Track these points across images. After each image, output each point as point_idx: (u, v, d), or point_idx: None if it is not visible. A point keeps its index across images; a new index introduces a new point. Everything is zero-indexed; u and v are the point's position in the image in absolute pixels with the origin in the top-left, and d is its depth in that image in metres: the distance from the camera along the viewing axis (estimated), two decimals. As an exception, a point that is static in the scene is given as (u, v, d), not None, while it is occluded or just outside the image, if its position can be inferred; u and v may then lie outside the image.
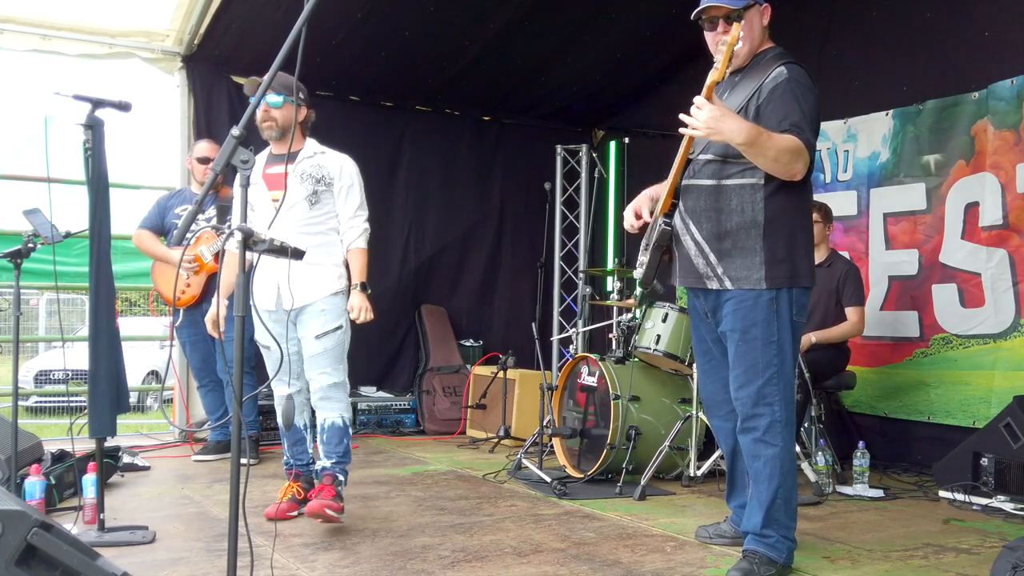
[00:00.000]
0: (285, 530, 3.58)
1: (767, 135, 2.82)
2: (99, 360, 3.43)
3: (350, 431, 3.78)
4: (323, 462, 3.72)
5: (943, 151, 5.20)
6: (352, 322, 3.73)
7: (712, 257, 3.05)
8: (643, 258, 3.20)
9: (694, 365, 4.62)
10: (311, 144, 3.85)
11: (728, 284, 3.04)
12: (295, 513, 3.81)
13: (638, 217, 3.22)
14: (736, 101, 3.01)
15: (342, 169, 3.81)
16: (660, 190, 3.27)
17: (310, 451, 3.94)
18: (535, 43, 6.26)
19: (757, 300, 3.01)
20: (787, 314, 3.03)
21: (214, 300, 3.97)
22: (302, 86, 3.73)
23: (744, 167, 2.99)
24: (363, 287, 3.73)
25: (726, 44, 2.78)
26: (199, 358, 5.29)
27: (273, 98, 3.71)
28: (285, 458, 4.00)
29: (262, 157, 3.83)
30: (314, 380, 3.71)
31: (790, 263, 3.01)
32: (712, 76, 2.81)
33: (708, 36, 3.12)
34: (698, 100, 2.79)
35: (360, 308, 3.70)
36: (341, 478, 3.70)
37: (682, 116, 2.81)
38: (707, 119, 2.76)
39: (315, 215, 3.72)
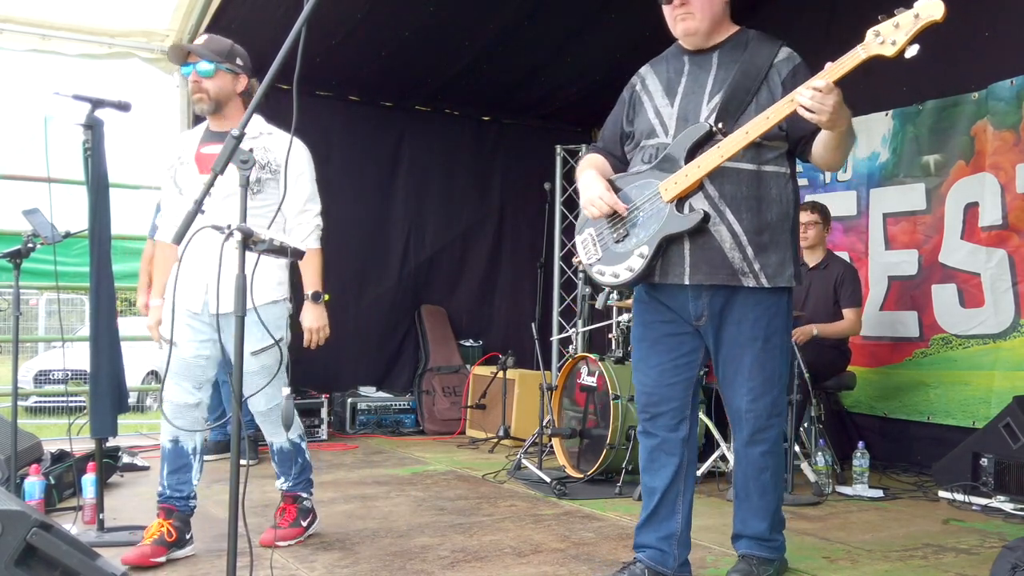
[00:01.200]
0: (285, 530, 3.58)
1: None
2: (100, 360, 3.43)
3: (303, 444, 3.48)
4: (280, 483, 3.48)
5: (943, 151, 5.20)
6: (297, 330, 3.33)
7: (750, 251, 2.73)
8: (638, 250, 2.76)
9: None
10: (256, 122, 3.28)
11: (764, 281, 2.75)
12: (162, 559, 3.10)
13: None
14: (747, 81, 2.74)
15: (292, 153, 3.13)
16: (603, 168, 2.94)
17: (194, 482, 3.30)
18: (535, 43, 6.26)
19: (779, 303, 2.82)
20: (791, 318, 2.93)
21: (153, 303, 3.38)
22: (240, 50, 3.31)
23: (778, 152, 2.77)
24: (316, 297, 3.26)
25: (919, 19, 2.35)
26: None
27: (203, 66, 3.20)
28: (160, 488, 3.27)
29: (196, 134, 3.37)
30: (251, 402, 3.27)
31: (794, 261, 2.86)
32: (871, 51, 2.39)
33: (665, 10, 2.81)
34: (825, 84, 2.43)
35: (315, 329, 3.28)
36: (304, 494, 3.49)
37: (802, 100, 2.46)
38: (834, 104, 2.44)
39: (255, 206, 3.02)
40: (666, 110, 2.84)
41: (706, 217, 2.68)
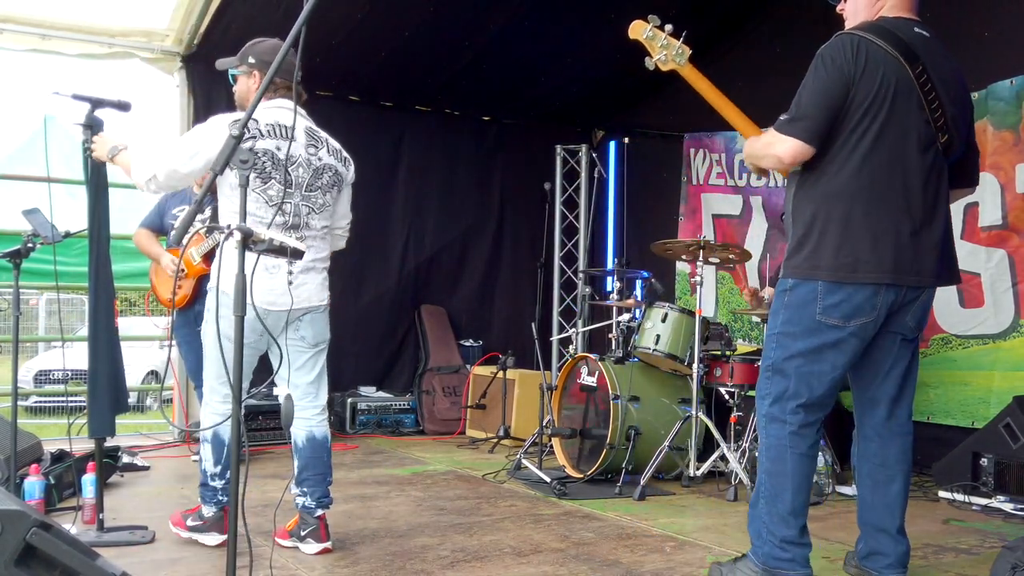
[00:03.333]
0: (285, 530, 3.58)
1: (753, 143, 2.89)
2: (98, 360, 3.43)
3: (202, 449, 3.35)
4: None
5: (943, 151, 5.19)
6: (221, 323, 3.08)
7: None
8: None
9: (693, 365, 4.63)
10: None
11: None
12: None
13: None
14: None
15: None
16: None
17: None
18: (535, 43, 6.26)
19: (780, 290, 2.88)
20: (798, 308, 2.79)
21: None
22: (256, 48, 3.41)
23: None
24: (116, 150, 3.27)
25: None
26: (194, 359, 5.26)
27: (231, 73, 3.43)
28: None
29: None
30: None
31: (807, 254, 2.77)
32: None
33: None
34: None
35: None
36: (198, 500, 3.41)
37: None
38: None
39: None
40: None
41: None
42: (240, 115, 3.15)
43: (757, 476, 2.91)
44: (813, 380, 2.81)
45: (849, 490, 4.57)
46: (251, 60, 3.36)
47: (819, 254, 2.75)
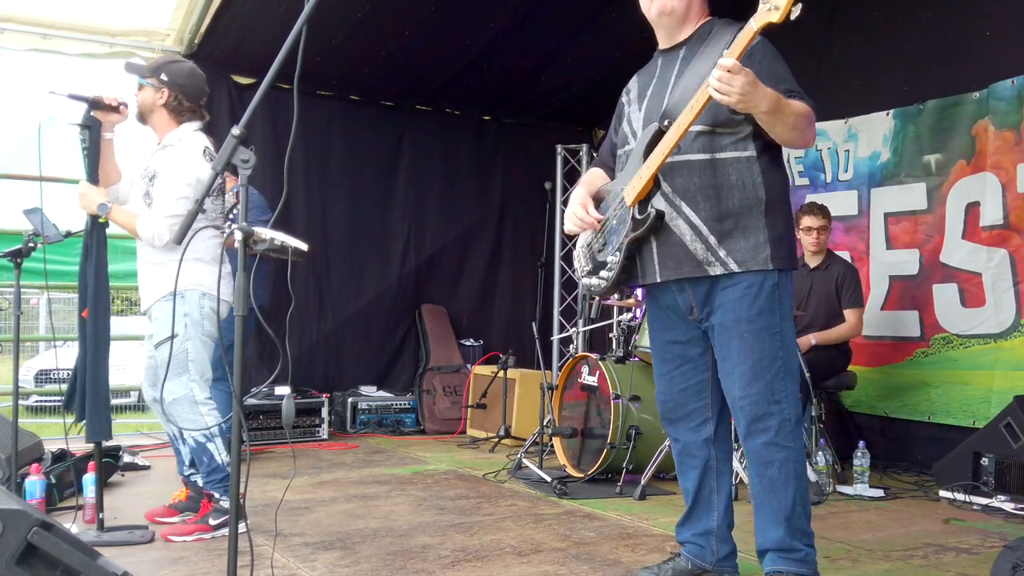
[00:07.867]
0: (285, 529, 3.58)
1: (786, 102, 2.52)
2: (99, 363, 3.43)
3: (211, 445, 3.46)
4: (198, 476, 3.56)
5: (944, 151, 5.20)
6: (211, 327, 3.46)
7: (712, 240, 2.66)
8: (610, 259, 2.79)
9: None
10: (176, 133, 3.50)
11: (734, 267, 2.66)
12: (167, 519, 3.66)
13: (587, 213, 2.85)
14: (704, 69, 2.58)
15: (170, 162, 3.42)
16: (597, 181, 2.97)
17: (185, 462, 3.62)
18: (535, 43, 6.26)
19: (763, 285, 2.67)
20: (787, 301, 2.74)
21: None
22: (174, 68, 3.50)
23: (737, 138, 2.67)
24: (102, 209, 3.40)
25: None
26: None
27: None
28: None
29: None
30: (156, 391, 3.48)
31: (788, 242, 2.73)
32: (761, 21, 2.38)
33: None
34: (728, 63, 2.37)
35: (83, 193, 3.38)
36: (217, 495, 3.47)
37: (711, 83, 2.40)
38: (742, 84, 2.38)
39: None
40: (635, 115, 2.85)
41: (659, 215, 2.67)
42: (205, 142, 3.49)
43: (795, 487, 2.69)
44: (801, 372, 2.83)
45: (849, 489, 4.57)
46: (163, 77, 3.46)
47: (793, 243, 2.78)
